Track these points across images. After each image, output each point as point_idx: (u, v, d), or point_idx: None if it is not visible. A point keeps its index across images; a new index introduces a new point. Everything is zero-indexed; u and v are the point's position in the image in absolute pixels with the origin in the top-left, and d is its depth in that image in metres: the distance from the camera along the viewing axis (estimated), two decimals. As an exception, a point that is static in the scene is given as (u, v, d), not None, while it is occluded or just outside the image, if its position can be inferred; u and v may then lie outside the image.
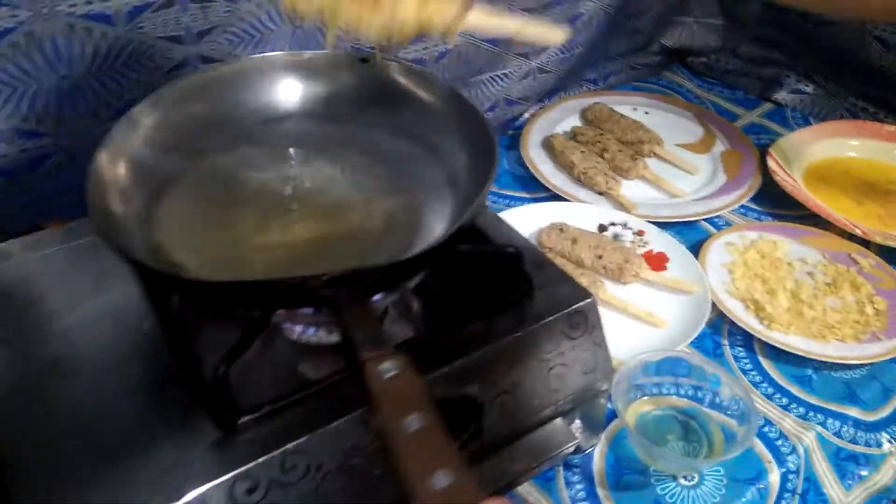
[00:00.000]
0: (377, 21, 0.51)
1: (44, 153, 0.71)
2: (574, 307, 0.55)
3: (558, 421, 0.57)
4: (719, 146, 1.06)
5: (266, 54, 0.67)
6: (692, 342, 0.73)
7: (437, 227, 0.58)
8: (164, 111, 0.62)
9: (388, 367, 0.40)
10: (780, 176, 0.95)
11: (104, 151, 0.55)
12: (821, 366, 0.73)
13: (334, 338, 0.56)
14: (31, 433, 0.46)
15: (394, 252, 0.56)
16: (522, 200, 0.95)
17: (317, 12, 0.52)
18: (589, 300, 0.56)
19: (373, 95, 0.66)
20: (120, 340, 0.53)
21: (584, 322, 0.56)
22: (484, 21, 0.54)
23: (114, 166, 0.57)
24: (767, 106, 1.19)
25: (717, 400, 0.65)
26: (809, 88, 1.18)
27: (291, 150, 0.66)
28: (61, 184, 0.73)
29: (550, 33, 0.58)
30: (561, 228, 0.85)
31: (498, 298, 0.55)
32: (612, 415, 0.64)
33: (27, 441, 0.46)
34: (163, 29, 0.71)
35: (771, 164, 0.98)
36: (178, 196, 0.60)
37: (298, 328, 0.56)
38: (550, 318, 0.54)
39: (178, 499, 0.42)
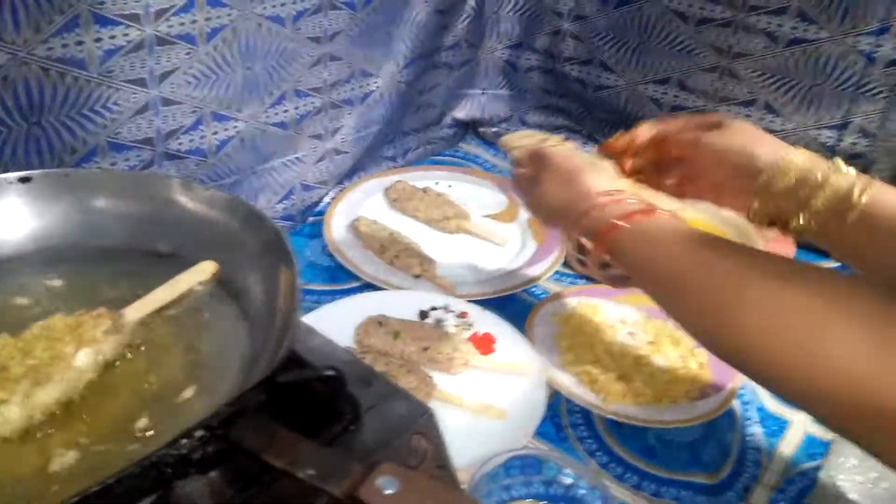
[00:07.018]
0: None
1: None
2: (411, 429, 0.47)
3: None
4: (524, 213, 1.05)
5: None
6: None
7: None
8: None
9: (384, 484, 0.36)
10: (588, 238, 0.96)
11: None
12: (661, 433, 0.70)
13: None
14: None
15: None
16: (333, 294, 0.86)
17: None
18: (426, 414, 0.48)
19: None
20: None
21: (423, 444, 0.48)
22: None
23: None
24: (561, 169, 1.21)
25: (575, 492, 0.59)
26: (594, 149, 1.22)
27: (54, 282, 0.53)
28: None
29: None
30: (380, 322, 0.77)
31: (316, 433, 0.45)
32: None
33: None
34: None
35: (576, 227, 0.98)
36: None
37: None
38: (381, 452, 0.45)
39: None
